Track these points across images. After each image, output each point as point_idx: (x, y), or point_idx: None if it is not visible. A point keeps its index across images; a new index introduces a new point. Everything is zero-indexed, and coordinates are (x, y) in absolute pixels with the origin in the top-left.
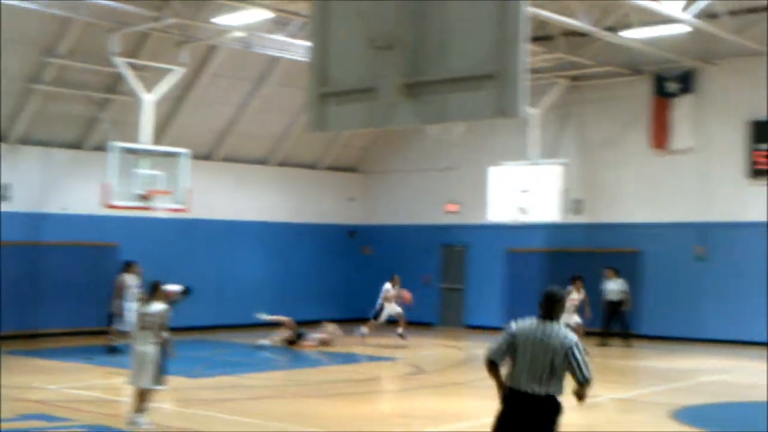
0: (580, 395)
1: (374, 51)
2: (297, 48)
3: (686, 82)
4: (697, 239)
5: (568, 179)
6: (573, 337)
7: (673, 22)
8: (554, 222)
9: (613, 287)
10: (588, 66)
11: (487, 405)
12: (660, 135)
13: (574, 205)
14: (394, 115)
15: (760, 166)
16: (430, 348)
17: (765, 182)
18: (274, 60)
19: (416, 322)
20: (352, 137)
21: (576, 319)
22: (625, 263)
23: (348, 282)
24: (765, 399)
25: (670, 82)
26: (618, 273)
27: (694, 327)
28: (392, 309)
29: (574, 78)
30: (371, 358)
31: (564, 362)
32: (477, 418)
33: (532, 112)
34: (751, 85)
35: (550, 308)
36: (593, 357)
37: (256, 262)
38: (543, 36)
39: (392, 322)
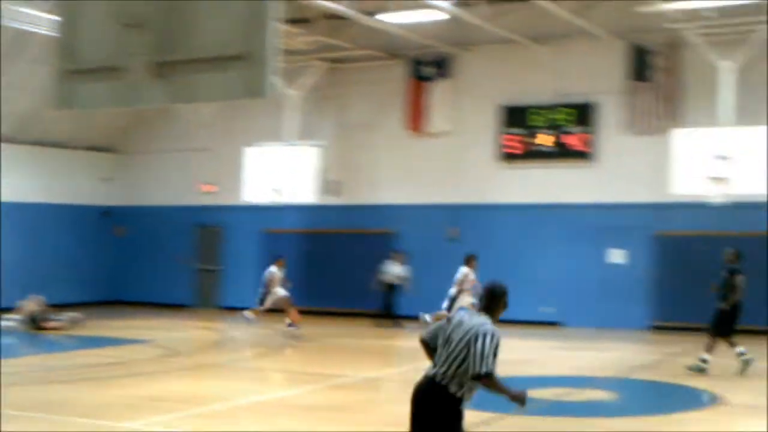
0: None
1: (123, 29)
2: (48, 23)
3: (442, 67)
4: (451, 220)
5: (326, 161)
6: (490, 327)
7: (431, 8)
8: (311, 203)
9: (395, 270)
10: (346, 49)
11: (240, 386)
12: (416, 118)
13: (331, 186)
14: (143, 94)
15: (509, 150)
16: (185, 329)
17: (514, 165)
18: (26, 34)
19: (171, 303)
20: (108, 117)
21: (471, 300)
22: (381, 244)
23: (101, 264)
24: (511, 374)
25: (427, 67)
26: (404, 257)
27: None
28: (276, 294)
29: (333, 60)
30: (122, 341)
31: (464, 348)
32: (229, 400)
33: (290, 94)
34: (503, 72)
35: (487, 302)
36: (365, 338)
37: (5, 244)
38: (302, 18)
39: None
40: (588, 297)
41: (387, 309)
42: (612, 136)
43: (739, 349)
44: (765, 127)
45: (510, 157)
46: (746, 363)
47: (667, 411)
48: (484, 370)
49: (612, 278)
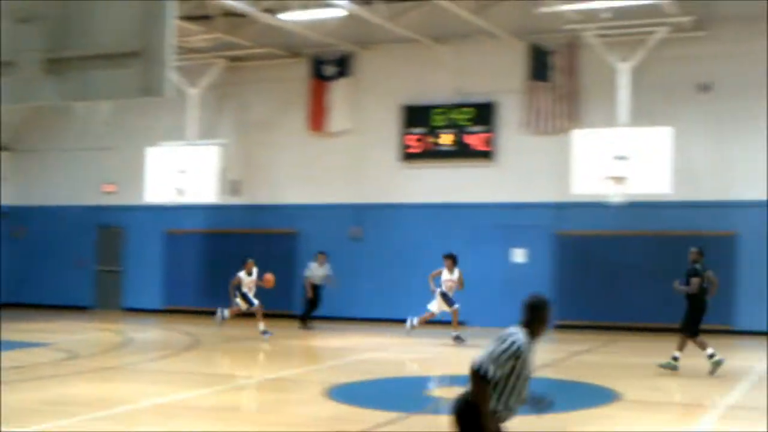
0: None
1: (14, 23)
2: None
3: (343, 65)
4: (353, 220)
5: (227, 160)
6: (515, 338)
7: (330, 6)
8: (213, 203)
9: (318, 272)
10: (247, 47)
11: (143, 389)
12: (317, 117)
13: (233, 186)
14: (35, 91)
15: (411, 150)
16: (85, 332)
17: (416, 165)
18: None
19: (71, 305)
20: (2, 114)
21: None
22: (283, 244)
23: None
24: (414, 374)
25: (328, 66)
26: (326, 258)
27: (350, 306)
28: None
29: (233, 59)
30: (22, 345)
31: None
32: (132, 403)
33: (191, 92)
34: (404, 71)
35: (526, 316)
36: (270, 338)
37: None
38: (201, 15)
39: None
40: (491, 296)
41: (308, 310)
42: (512, 136)
43: (710, 350)
44: (661, 128)
45: (411, 156)
46: (717, 364)
47: (570, 408)
48: (481, 368)
49: (515, 277)
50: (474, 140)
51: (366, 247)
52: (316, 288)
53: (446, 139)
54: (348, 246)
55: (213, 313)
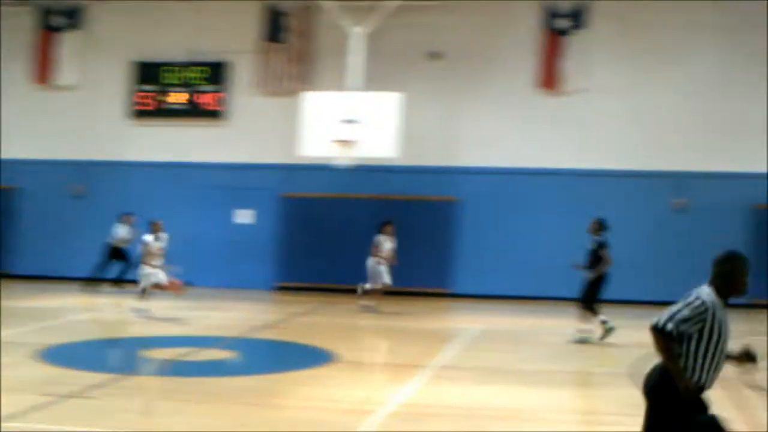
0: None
1: None
2: None
3: (73, 17)
4: (78, 177)
5: None
6: (704, 295)
7: None
8: None
9: (121, 233)
10: None
11: None
12: (43, 70)
13: None
14: None
15: (141, 107)
16: None
17: (145, 123)
18: None
19: None
20: None
21: (386, 279)
22: (2, 201)
23: None
24: (132, 335)
25: (56, 16)
26: (133, 219)
27: (69, 266)
28: (154, 273)
29: None
30: None
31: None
32: None
33: None
34: (137, 27)
35: (712, 271)
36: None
37: None
38: None
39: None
40: (215, 256)
41: (97, 272)
42: (244, 97)
43: (602, 317)
44: (390, 93)
45: (142, 114)
46: (609, 330)
47: (284, 369)
48: (658, 323)
49: (239, 238)
50: (205, 99)
51: (90, 205)
52: (117, 251)
53: (178, 97)
54: (70, 203)
55: None
